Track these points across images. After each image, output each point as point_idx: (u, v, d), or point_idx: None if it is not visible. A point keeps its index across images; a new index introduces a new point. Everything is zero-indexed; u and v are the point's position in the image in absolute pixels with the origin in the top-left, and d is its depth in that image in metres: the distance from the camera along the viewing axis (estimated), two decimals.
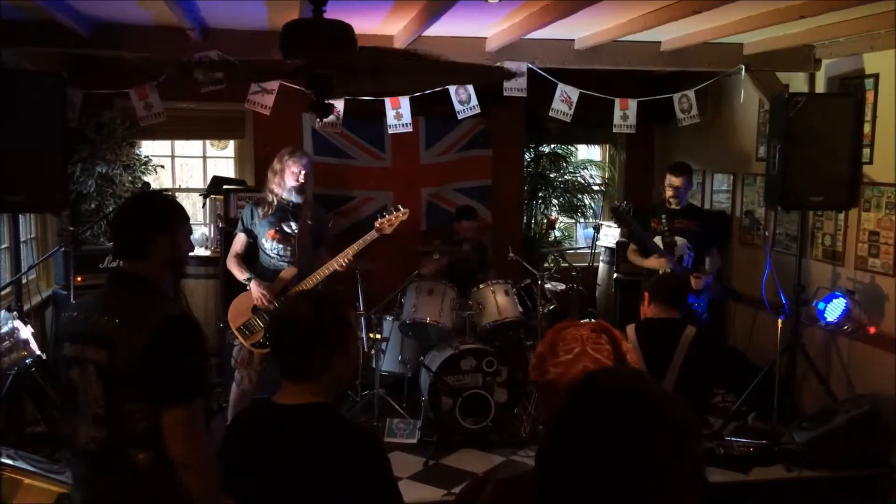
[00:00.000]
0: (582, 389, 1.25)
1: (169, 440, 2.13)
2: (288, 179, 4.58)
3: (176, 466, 2.13)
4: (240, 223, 4.76)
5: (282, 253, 4.62)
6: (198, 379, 2.24)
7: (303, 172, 4.60)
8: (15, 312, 4.15)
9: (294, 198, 4.63)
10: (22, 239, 4.70)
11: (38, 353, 4.12)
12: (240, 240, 4.70)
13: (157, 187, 6.16)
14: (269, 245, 4.62)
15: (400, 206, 4.92)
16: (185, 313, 2.32)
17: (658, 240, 5.14)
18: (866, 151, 4.87)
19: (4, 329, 4.00)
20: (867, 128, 4.86)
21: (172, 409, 2.13)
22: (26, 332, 4.04)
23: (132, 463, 2.17)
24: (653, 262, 5.14)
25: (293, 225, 4.63)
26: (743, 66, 5.20)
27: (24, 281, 4.44)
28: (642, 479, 1.13)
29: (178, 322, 2.21)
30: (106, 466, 2.23)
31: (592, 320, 1.74)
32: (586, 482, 1.15)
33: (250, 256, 4.74)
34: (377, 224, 4.82)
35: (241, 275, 4.60)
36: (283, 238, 4.61)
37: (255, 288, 4.52)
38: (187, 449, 2.13)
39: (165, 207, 2.42)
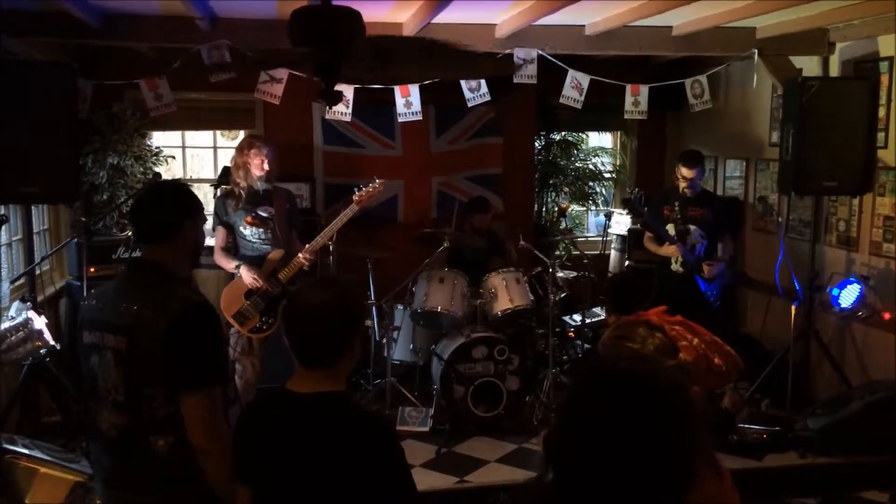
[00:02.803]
0: (588, 375, 1.26)
1: (188, 426, 2.15)
2: (253, 170, 4.57)
3: (195, 452, 2.15)
4: (215, 217, 4.74)
5: (262, 237, 4.62)
6: (217, 365, 2.25)
7: (266, 161, 4.59)
8: (29, 303, 4.17)
9: (261, 185, 4.61)
10: (35, 230, 4.73)
11: (53, 343, 4.14)
12: (221, 233, 4.70)
13: (169, 178, 6.18)
14: (249, 231, 4.62)
15: (376, 179, 4.92)
16: (205, 300, 2.33)
17: (671, 227, 5.11)
18: (881, 136, 4.82)
19: (19, 320, 4.02)
20: (882, 112, 4.80)
21: (192, 396, 2.15)
22: (40, 322, 4.06)
23: (152, 449, 2.19)
24: (666, 250, 5.12)
25: (269, 209, 4.64)
26: (756, 51, 5.15)
27: (37, 272, 4.46)
28: (647, 458, 1.14)
29: (198, 308, 2.23)
30: (126, 453, 2.25)
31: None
32: (592, 461, 1.16)
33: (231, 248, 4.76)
34: (356, 197, 4.83)
35: (229, 264, 4.60)
36: (260, 222, 4.62)
37: (245, 273, 4.52)
38: (206, 435, 2.15)
39: (191, 195, 2.47)
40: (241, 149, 4.64)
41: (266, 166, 4.57)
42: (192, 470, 2.16)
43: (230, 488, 2.14)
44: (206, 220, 2.49)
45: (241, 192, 4.61)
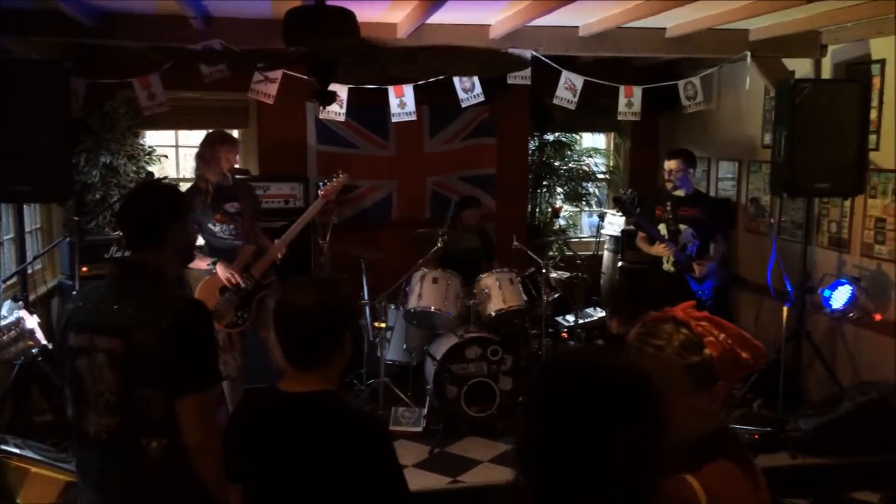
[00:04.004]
0: (547, 370, 1.27)
1: (185, 426, 2.15)
2: (224, 165, 4.58)
3: (190, 452, 2.15)
4: None
5: (232, 232, 4.64)
6: (215, 365, 2.27)
7: (237, 156, 4.66)
8: (21, 302, 4.16)
9: (227, 180, 4.64)
10: (27, 229, 4.72)
11: (45, 342, 4.13)
12: None
13: (162, 177, 6.16)
14: (219, 228, 4.64)
15: (340, 172, 5.01)
16: (199, 300, 2.36)
17: (662, 227, 5.13)
18: (873, 138, 4.84)
19: (10, 319, 4.01)
20: (874, 114, 4.82)
21: (191, 395, 2.15)
22: (32, 321, 4.05)
23: (144, 451, 2.18)
24: (657, 250, 5.14)
25: (236, 204, 4.65)
26: (748, 53, 5.17)
27: (29, 271, 4.45)
28: (612, 453, 1.16)
29: (198, 308, 2.25)
30: (118, 455, 2.24)
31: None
32: (562, 462, 1.17)
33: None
34: (321, 192, 4.94)
35: (202, 262, 4.60)
36: (229, 218, 4.64)
37: (221, 270, 4.54)
38: (203, 434, 2.15)
39: (177, 197, 2.46)
40: (211, 143, 4.63)
41: (235, 162, 4.63)
42: (183, 472, 2.15)
43: (223, 484, 2.14)
44: (193, 219, 2.50)
45: (210, 187, 4.59)
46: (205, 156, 4.61)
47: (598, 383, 1.19)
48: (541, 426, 1.21)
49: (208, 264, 4.59)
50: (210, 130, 4.87)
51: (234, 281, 4.53)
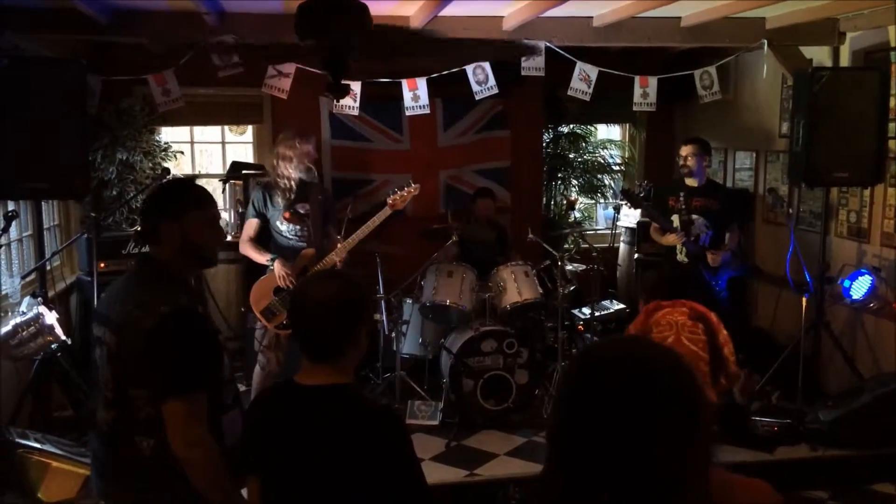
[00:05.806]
0: (579, 364, 1.24)
1: (168, 431, 2.13)
2: (304, 161, 4.58)
3: (179, 459, 2.13)
4: (251, 208, 4.74)
5: (298, 233, 4.65)
6: (198, 372, 2.18)
7: (314, 150, 4.64)
8: (40, 298, 4.20)
9: (306, 177, 4.63)
10: (45, 226, 4.75)
11: (64, 338, 4.16)
12: (253, 224, 4.70)
13: (178, 173, 6.19)
14: (285, 227, 4.64)
15: (412, 182, 4.92)
16: (193, 305, 2.28)
17: (675, 218, 5.10)
18: (892, 126, 4.78)
19: (30, 315, 4.05)
20: (893, 102, 4.76)
21: (171, 401, 2.12)
22: (51, 317, 4.09)
23: (138, 449, 2.19)
24: (669, 240, 5.11)
25: (306, 205, 4.65)
26: (765, 41, 5.11)
27: (48, 267, 4.49)
28: (648, 447, 1.13)
29: (183, 313, 2.19)
30: (115, 449, 2.26)
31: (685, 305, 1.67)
32: (597, 456, 1.15)
33: (261, 239, 4.76)
34: (389, 201, 4.85)
35: (261, 257, 4.62)
36: (297, 219, 4.64)
37: (278, 268, 4.54)
38: (186, 442, 2.12)
39: (173, 196, 2.37)
40: (288, 141, 4.61)
41: (314, 156, 4.63)
42: (175, 473, 2.13)
43: (217, 495, 2.14)
44: (210, 217, 2.35)
45: (292, 183, 4.59)
46: (285, 154, 4.60)
47: (631, 375, 1.17)
48: (572, 418, 1.19)
49: (267, 260, 4.60)
50: (286, 130, 4.78)
51: (287, 282, 4.54)
